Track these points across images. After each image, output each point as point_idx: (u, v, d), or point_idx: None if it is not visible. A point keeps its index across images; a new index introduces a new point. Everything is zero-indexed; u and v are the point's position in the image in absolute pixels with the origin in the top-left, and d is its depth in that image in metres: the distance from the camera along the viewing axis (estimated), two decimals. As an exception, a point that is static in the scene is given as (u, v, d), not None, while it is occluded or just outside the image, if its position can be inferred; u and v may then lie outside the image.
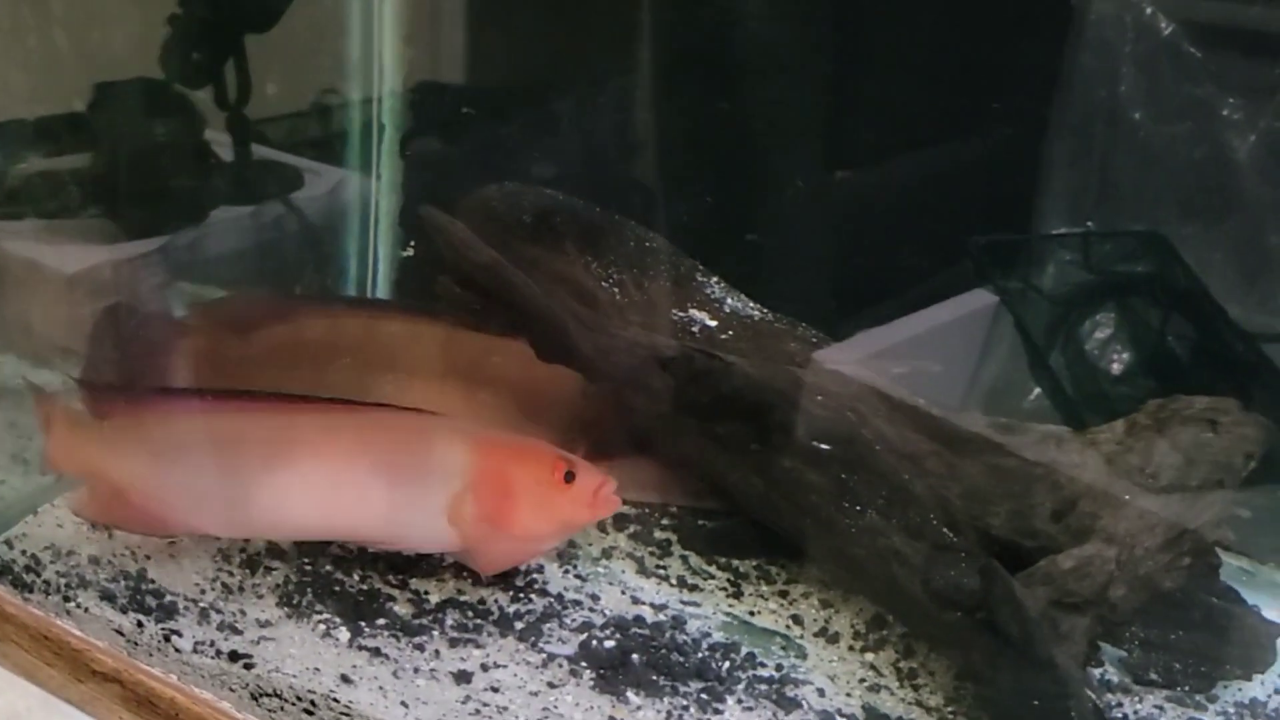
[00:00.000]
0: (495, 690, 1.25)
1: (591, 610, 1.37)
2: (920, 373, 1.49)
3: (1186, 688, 1.32)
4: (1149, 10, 1.86)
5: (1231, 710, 1.31)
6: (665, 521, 1.51)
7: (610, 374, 1.40)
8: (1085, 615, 1.23)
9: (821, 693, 1.29)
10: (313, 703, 1.23)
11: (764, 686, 1.28)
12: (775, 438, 1.36)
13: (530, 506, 1.32)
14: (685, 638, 1.34)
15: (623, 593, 1.40)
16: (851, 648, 1.36)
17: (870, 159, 1.85)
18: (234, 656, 1.27)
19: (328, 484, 1.32)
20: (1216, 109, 1.82)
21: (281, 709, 1.24)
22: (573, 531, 1.41)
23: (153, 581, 1.36)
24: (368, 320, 1.58)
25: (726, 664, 1.31)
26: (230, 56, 1.90)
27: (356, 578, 1.38)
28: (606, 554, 1.46)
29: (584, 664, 1.29)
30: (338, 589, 1.36)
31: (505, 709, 1.23)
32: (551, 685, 1.26)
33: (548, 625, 1.34)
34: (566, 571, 1.42)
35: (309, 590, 1.35)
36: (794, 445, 1.35)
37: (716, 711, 1.24)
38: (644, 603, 1.39)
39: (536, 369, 1.41)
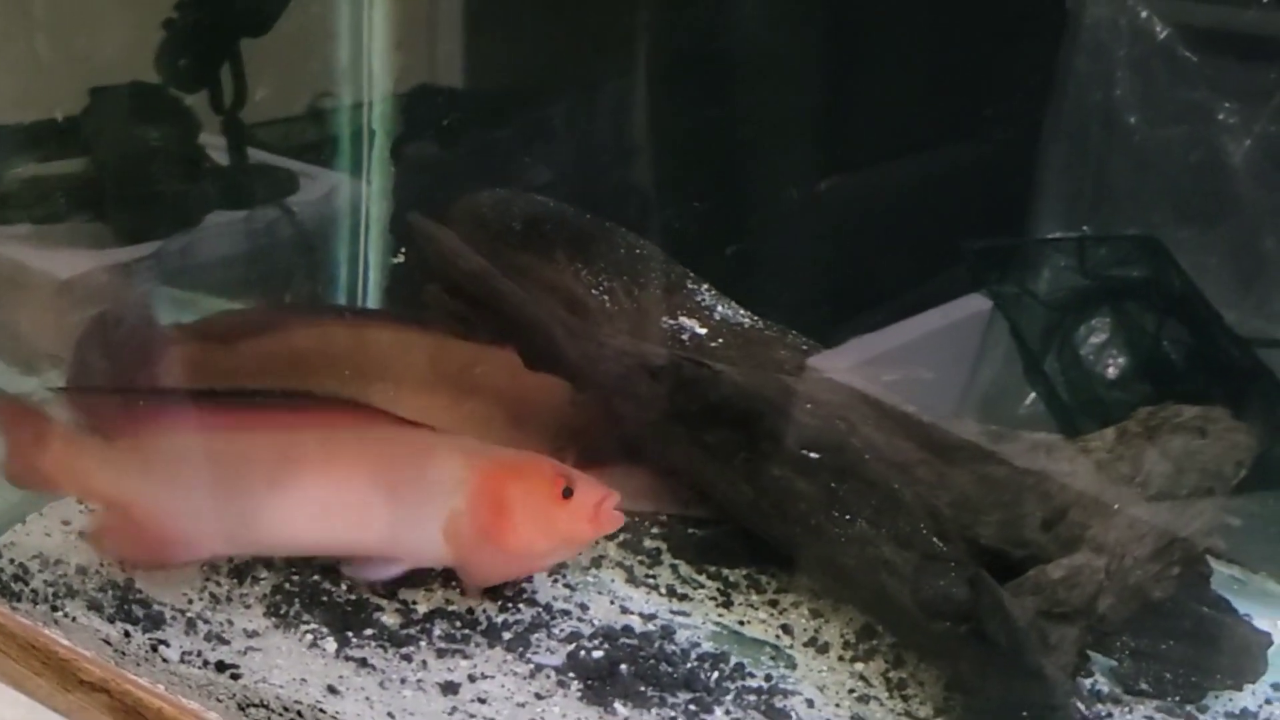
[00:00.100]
0: (482, 701, 1.24)
1: (580, 620, 1.37)
2: (911, 380, 1.49)
3: (1177, 698, 1.32)
4: (1144, 14, 1.85)
5: (1222, 720, 1.31)
6: (655, 530, 1.51)
7: (599, 382, 1.40)
8: (1074, 625, 1.23)
9: (811, 703, 1.28)
10: (299, 713, 1.22)
11: (752, 697, 1.28)
12: (764, 446, 1.35)
13: (528, 522, 1.32)
14: (674, 648, 1.33)
15: (612, 602, 1.40)
16: (841, 658, 1.35)
17: (865, 163, 1.85)
18: (221, 667, 1.27)
19: (330, 501, 1.32)
20: (1212, 113, 1.81)
21: (268, 719, 1.23)
22: (574, 547, 1.39)
23: (140, 591, 1.35)
24: (354, 330, 1.58)
25: (715, 674, 1.30)
26: (225, 60, 1.90)
27: (344, 587, 1.37)
28: (596, 563, 1.45)
29: (572, 675, 1.28)
30: (325, 599, 1.36)
31: (492, 720, 1.23)
32: (539, 696, 1.26)
33: (536, 635, 1.34)
34: (555, 581, 1.42)
35: (296, 600, 1.35)
36: (783, 453, 1.34)
37: (704, 722, 1.24)
38: (633, 612, 1.39)
39: (524, 377, 1.40)
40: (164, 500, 1.32)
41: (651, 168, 1.78)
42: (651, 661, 1.30)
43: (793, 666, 1.33)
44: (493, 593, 1.38)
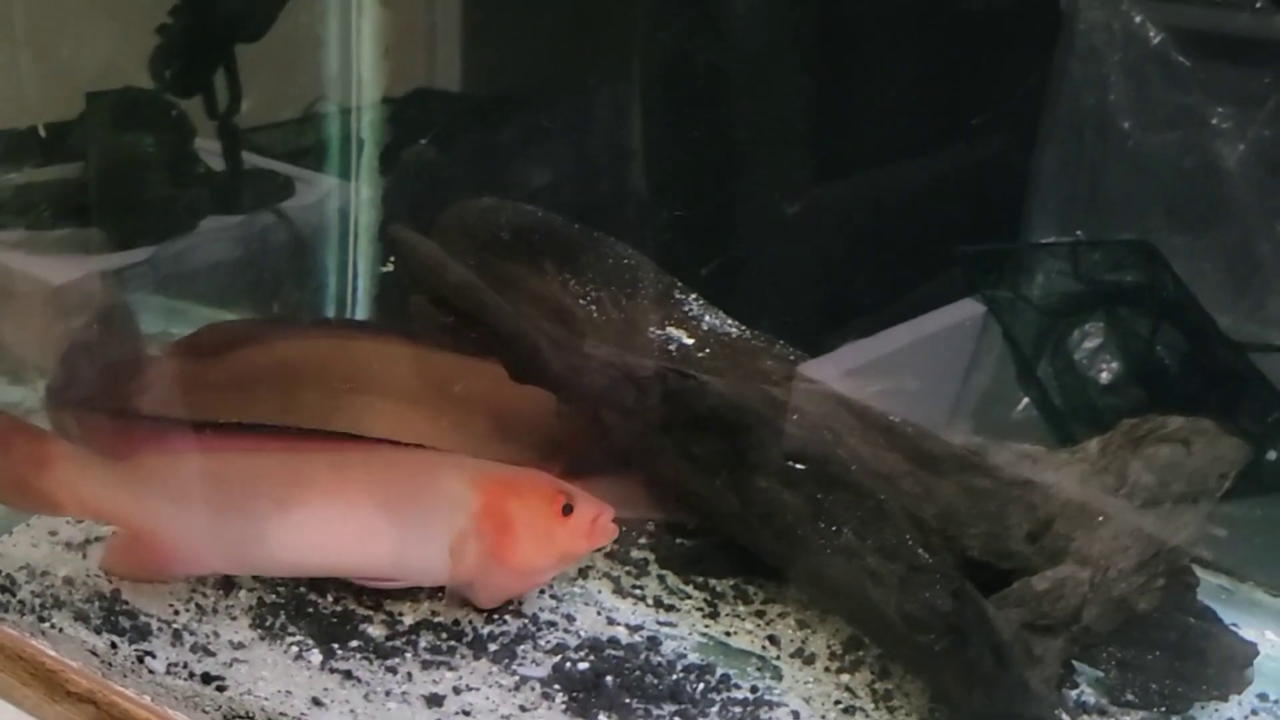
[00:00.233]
0: (466, 714, 1.25)
1: (566, 631, 1.37)
2: (898, 389, 1.49)
3: (1163, 708, 1.32)
4: (1138, 19, 1.85)
5: (1208, 731, 1.31)
6: (642, 540, 1.51)
7: (583, 394, 1.40)
8: (1059, 637, 1.23)
9: (796, 715, 1.28)
10: (284, 726, 1.23)
11: (738, 709, 1.28)
12: (750, 457, 1.35)
13: (530, 540, 1.33)
14: (660, 659, 1.33)
15: (598, 613, 1.40)
16: (827, 669, 1.35)
17: (859, 169, 1.85)
18: (207, 678, 1.27)
19: (336, 522, 1.32)
20: (1206, 117, 1.81)
21: (253, 732, 1.24)
22: (571, 562, 1.41)
23: (126, 603, 1.35)
24: (335, 342, 1.58)
25: (701, 686, 1.30)
26: (220, 66, 1.90)
27: (330, 599, 1.38)
28: (583, 573, 1.45)
29: (557, 686, 1.28)
30: (311, 611, 1.36)
31: (476, 733, 1.23)
32: (523, 709, 1.26)
33: (522, 647, 1.34)
34: (542, 592, 1.41)
35: (282, 612, 1.35)
36: (769, 465, 1.34)
37: (689, 735, 1.24)
38: (619, 623, 1.38)
39: (509, 390, 1.40)
40: (171, 521, 1.31)
41: (641, 176, 1.78)
42: (637, 673, 1.30)
43: (779, 678, 1.33)
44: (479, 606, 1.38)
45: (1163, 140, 1.85)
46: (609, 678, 1.29)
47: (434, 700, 1.26)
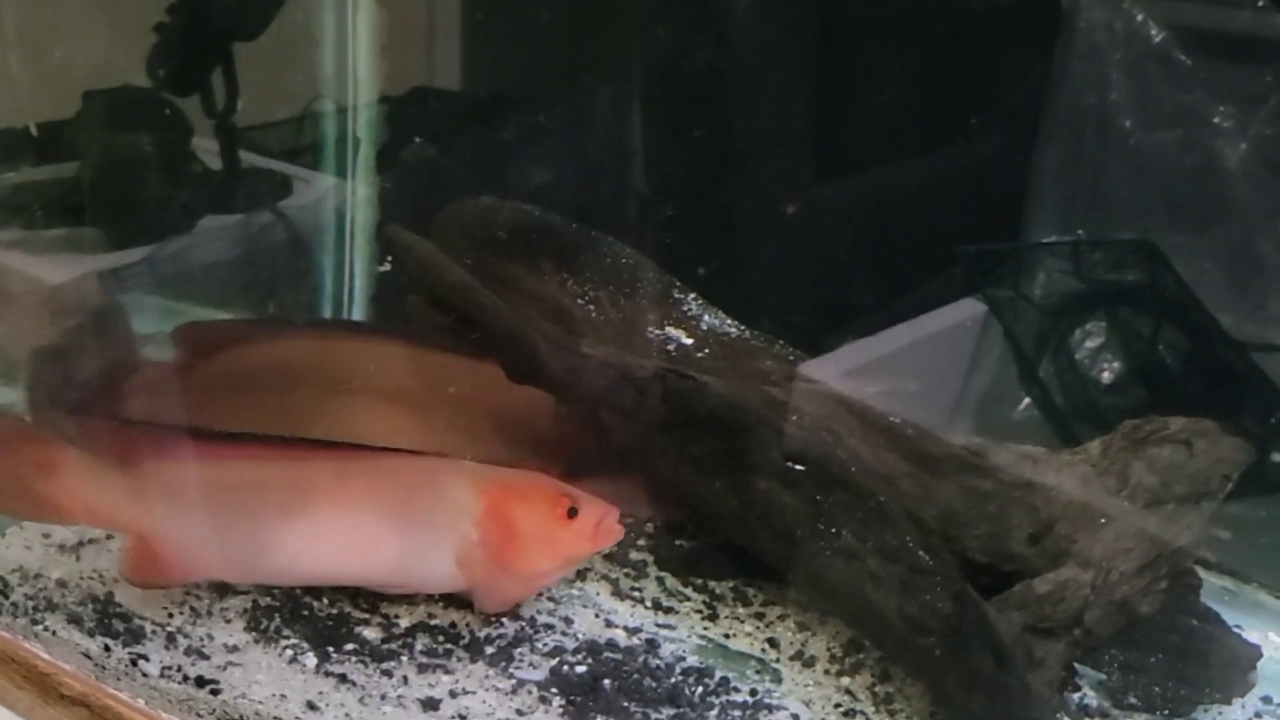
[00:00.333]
0: (463, 718, 1.24)
1: (564, 634, 1.36)
2: (897, 390, 1.48)
3: (1166, 711, 1.31)
4: (1139, 17, 1.84)
5: (1211, 734, 1.30)
6: (641, 542, 1.50)
7: (582, 394, 1.39)
8: (1060, 640, 1.22)
9: (796, 718, 1.27)
10: (279, 729, 1.22)
11: (737, 712, 1.27)
12: (749, 458, 1.34)
13: (535, 544, 1.32)
14: (658, 662, 1.32)
15: (596, 615, 1.39)
16: (827, 671, 1.34)
17: (860, 168, 1.84)
18: (200, 682, 1.26)
19: (342, 531, 1.31)
20: (1207, 116, 1.80)
21: (248, 736, 1.23)
22: (576, 564, 1.40)
23: (120, 605, 1.34)
24: (325, 342, 1.57)
25: (700, 689, 1.29)
26: (218, 65, 1.90)
27: (326, 602, 1.37)
28: (581, 575, 1.44)
29: (554, 690, 1.27)
30: (306, 614, 1.35)
31: (472, 737, 1.22)
32: (520, 712, 1.25)
33: (519, 650, 1.33)
34: (540, 594, 1.40)
35: (277, 615, 1.34)
36: (768, 466, 1.33)
37: (687, 739, 1.23)
38: (618, 625, 1.38)
39: (507, 391, 1.39)
40: (178, 529, 1.30)
41: (640, 175, 1.77)
42: (635, 676, 1.29)
43: (778, 680, 1.32)
44: (476, 608, 1.37)
45: (1164, 139, 1.85)
46: (607, 681, 1.28)
47: (430, 704, 1.25)
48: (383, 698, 1.25)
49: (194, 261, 1.94)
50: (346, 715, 1.22)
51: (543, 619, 1.37)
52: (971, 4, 1.80)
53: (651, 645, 1.35)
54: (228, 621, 1.33)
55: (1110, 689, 1.32)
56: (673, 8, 1.75)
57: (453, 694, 1.26)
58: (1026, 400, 1.84)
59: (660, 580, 1.45)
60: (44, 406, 1.46)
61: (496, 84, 1.99)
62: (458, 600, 1.37)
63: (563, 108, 1.82)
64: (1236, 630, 1.35)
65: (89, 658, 1.29)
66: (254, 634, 1.32)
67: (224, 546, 1.31)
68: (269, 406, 1.47)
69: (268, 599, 1.36)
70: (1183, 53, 1.82)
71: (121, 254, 1.87)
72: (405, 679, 1.28)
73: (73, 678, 1.29)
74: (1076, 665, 1.31)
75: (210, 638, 1.31)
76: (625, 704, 1.26)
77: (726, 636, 1.38)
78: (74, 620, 1.33)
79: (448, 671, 1.29)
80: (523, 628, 1.36)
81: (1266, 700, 1.34)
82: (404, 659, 1.30)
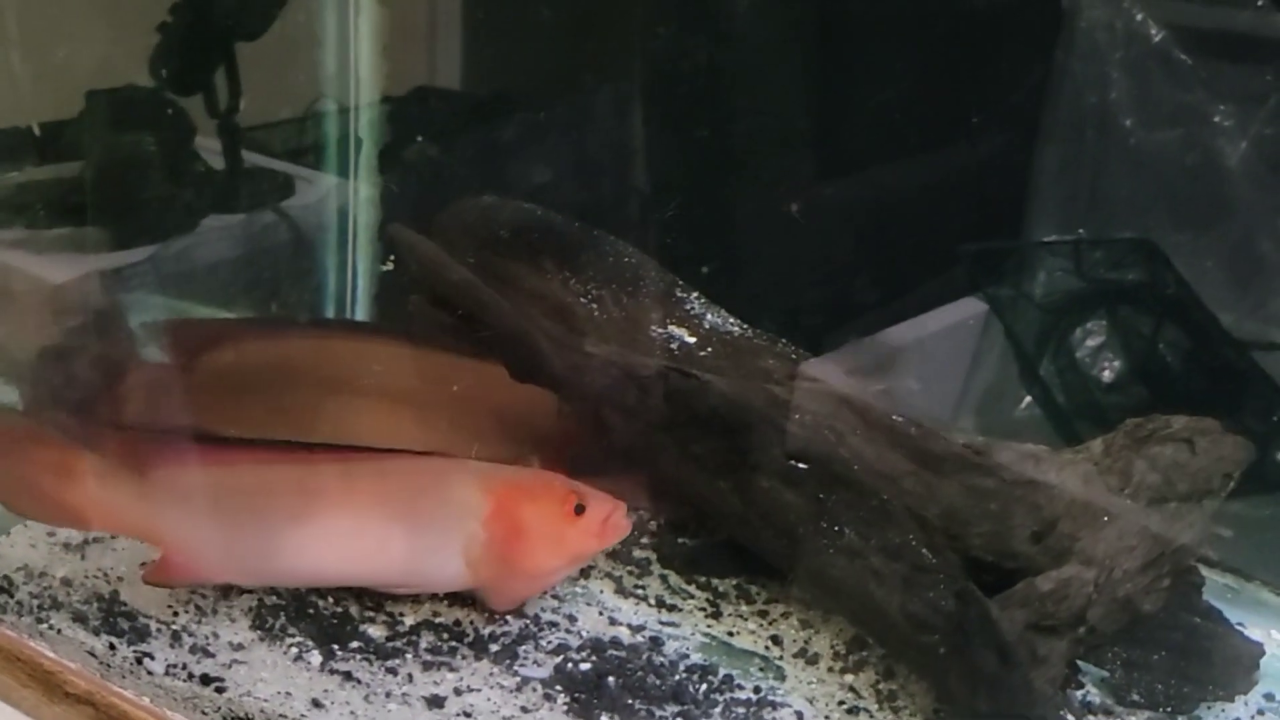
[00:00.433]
0: (468, 715, 1.24)
1: (568, 632, 1.36)
2: (898, 390, 1.48)
3: (1169, 708, 1.31)
4: (1139, 17, 1.84)
5: (1214, 731, 1.30)
6: (644, 540, 1.50)
7: (584, 393, 1.39)
8: (1063, 638, 1.22)
9: (800, 716, 1.28)
10: (284, 727, 1.22)
11: (741, 709, 1.27)
12: (752, 456, 1.34)
13: (542, 543, 1.33)
14: (662, 659, 1.32)
15: (600, 613, 1.39)
16: (831, 669, 1.34)
17: (861, 167, 1.84)
18: (206, 680, 1.26)
19: (351, 532, 1.32)
20: (1207, 115, 1.81)
21: (253, 733, 1.23)
22: (584, 561, 1.41)
23: (125, 604, 1.35)
24: (321, 342, 1.57)
25: (704, 686, 1.29)
26: (220, 64, 1.90)
27: (330, 600, 1.37)
28: (584, 573, 1.45)
29: (558, 687, 1.28)
30: (311, 612, 1.35)
31: (477, 734, 1.22)
32: (525, 710, 1.25)
33: (523, 647, 1.33)
34: (544, 592, 1.41)
35: (282, 613, 1.34)
36: (771, 464, 1.34)
37: (692, 736, 1.23)
38: (621, 623, 1.38)
39: (510, 389, 1.40)
40: (195, 534, 1.31)
41: (641, 173, 1.78)
42: (639, 673, 1.30)
43: (782, 678, 1.33)
44: (480, 604, 1.37)
45: (1164, 138, 1.85)
46: (611, 678, 1.28)
47: (435, 701, 1.25)
48: (388, 695, 1.25)
49: (197, 261, 1.94)
50: (352, 713, 1.23)
51: (547, 617, 1.38)
52: (973, 3, 1.80)
53: (655, 643, 1.35)
54: (233, 620, 1.34)
55: (1113, 686, 1.32)
56: (674, 6, 1.75)
57: (458, 691, 1.26)
58: (1028, 399, 1.84)
59: (663, 578, 1.46)
60: (47, 406, 1.46)
61: (499, 83, 1.99)
62: (462, 598, 1.37)
63: (565, 107, 1.82)
64: (1239, 628, 1.35)
65: (94, 656, 1.30)
66: (259, 632, 1.32)
67: (236, 550, 1.32)
68: (267, 407, 1.47)
69: (273, 598, 1.36)
70: (1183, 52, 1.82)
71: (124, 254, 1.87)
72: (410, 676, 1.28)
73: (78, 676, 1.29)
74: (1079, 663, 1.31)
75: (215, 636, 1.32)
76: (630, 701, 1.26)
77: (730, 634, 1.38)
78: (79, 619, 1.33)
79: (452, 669, 1.29)
80: (527, 625, 1.36)
81: (1269, 697, 1.34)
82: (409, 657, 1.30)
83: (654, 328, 1.47)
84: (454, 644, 1.33)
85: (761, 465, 1.34)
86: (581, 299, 1.48)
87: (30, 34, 1.74)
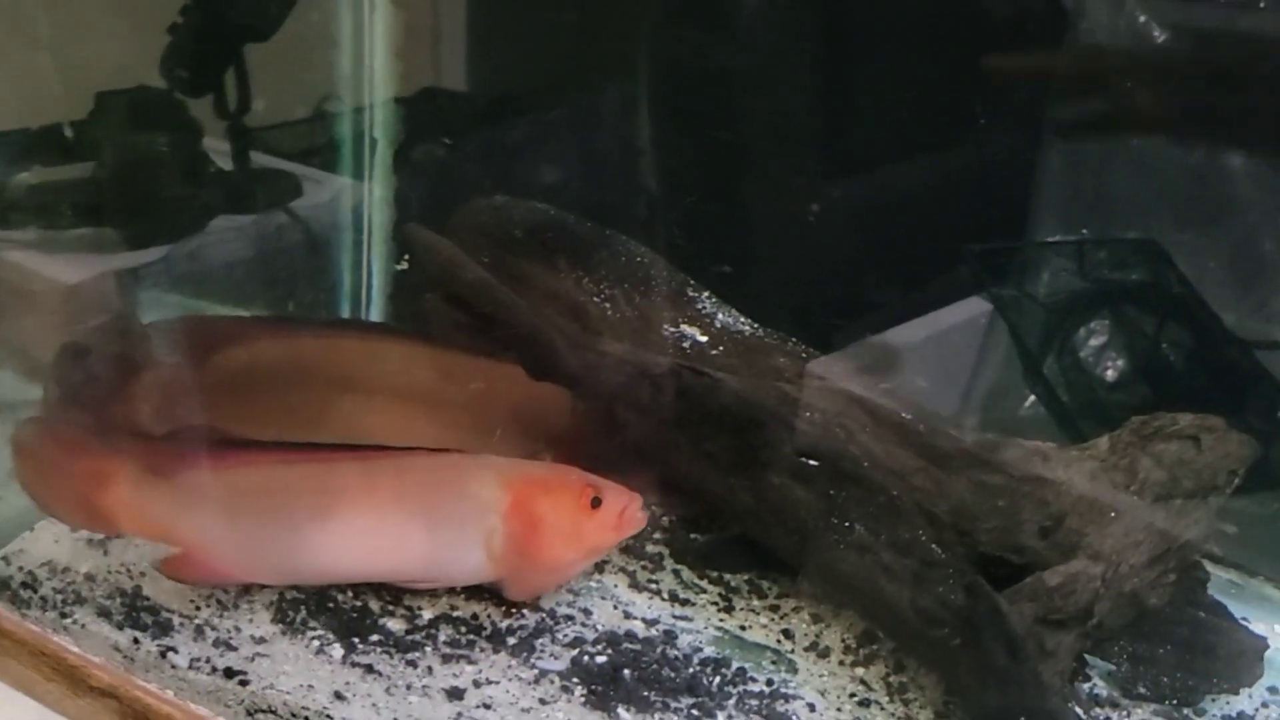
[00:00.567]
0: (487, 707, 1.26)
1: (584, 625, 1.38)
2: (906, 389, 1.50)
3: (1174, 701, 1.33)
4: (1142, 18, 1.85)
5: (1219, 723, 1.32)
6: (657, 535, 1.52)
7: (599, 391, 1.41)
8: (1071, 632, 1.24)
9: (812, 708, 1.30)
10: (307, 719, 1.24)
11: (754, 702, 1.29)
12: (763, 453, 1.36)
13: (560, 535, 1.35)
14: (676, 653, 1.35)
15: (615, 607, 1.41)
16: (842, 662, 1.36)
17: (865, 168, 1.85)
18: (229, 673, 1.28)
19: (372, 529, 1.34)
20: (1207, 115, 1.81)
21: (275, 726, 1.25)
22: (602, 554, 1.43)
23: (148, 598, 1.37)
24: (336, 341, 1.59)
25: (717, 679, 1.32)
26: (230, 66, 1.91)
27: (350, 594, 1.39)
28: (599, 568, 1.47)
29: (575, 680, 1.30)
30: (331, 606, 1.37)
31: (496, 726, 1.24)
32: (543, 701, 1.27)
33: (540, 640, 1.35)
34: (561, 585, 1.43)
35: (302, 607, 1.36)
36: (782, 461, 1.36)
37: (707, 727, 1.25)
38: (636, 617, 1.40)
39: (526, 387, 1.42)
40: (221, 536, 1.33)
41: (653, 173, 1.79)
42: (654, 666, 1.32)
43: (794, 671, 1.35)
44: (497, 598, 1.39)
45: (1164, 138, 1.86)
46: (627, 671, 1.30)
47: (455, 693, 1.27)
48: (408, 687, 1.27)
49: (210, 261, 1.95)
50: (374, 705, 1.25)
51: (562, 610, 1.40)
52: (976, 4, 1.81)
53: (669, 636, 1.37)
54: (254, 614, 1.36)
55: (1120, 679, 1.34)
56: (684, 6, 1.76)
57: (476, 684, 1.29)
58: (1032, 398, 1.86)
59: (676, 573, 1.48)
60: (70, 404, 1.48)
61: (512, 83, 2.01)
62: (479, 592, 1.39)
63: (578, 107, 1.84)
64: (1243, 622, 1.37)
65: (118, 650, 1.32)
66: (281, 626, 1.34)
67: (263, 551, 1.34)
68: (281, 405, 1.49)
69: (293, 592, 1.38)
70: (1184, 52, 1.83)
71: (138, 254, 1.88)
72: (430, 669, 1.30)
73: (102, 670, 1.32)
74: (1087, 656, 1.34)
75: (238, 630, 1.34)
76: (645, 693, 1.28)
77: (742, 628, 1.40)
78: (103, 613, 1.35)
79: (471, 662, 1.31)
80: (543, 619, 1.38)
81: (1273, 690, 1.36)
82: (428, 650, 1.32)
83: (666, 326, 1.49)
84: (472, 637, 1.35)
85: (772, 462, 1.36)
86: (595, 298, 1.50)
87: (40, 35, 1.75)
